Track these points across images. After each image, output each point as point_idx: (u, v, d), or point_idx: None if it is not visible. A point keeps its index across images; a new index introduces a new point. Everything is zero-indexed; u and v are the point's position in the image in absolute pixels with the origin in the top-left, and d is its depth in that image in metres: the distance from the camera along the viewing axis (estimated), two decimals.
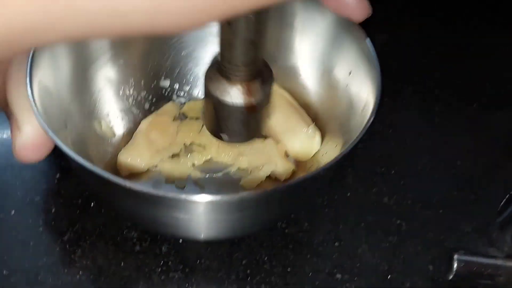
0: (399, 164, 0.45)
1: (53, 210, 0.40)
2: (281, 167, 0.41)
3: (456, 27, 0.58)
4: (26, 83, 0.31)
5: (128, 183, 0.27)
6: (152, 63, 0.44)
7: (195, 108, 0.45)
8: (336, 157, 0.30)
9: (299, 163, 0.42)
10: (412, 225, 0.41)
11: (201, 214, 0.30)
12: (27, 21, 0.19)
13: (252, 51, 0.28)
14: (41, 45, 0.21)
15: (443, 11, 0.60)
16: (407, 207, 0.42)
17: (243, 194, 0.29)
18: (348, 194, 0.43)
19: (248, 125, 0.32)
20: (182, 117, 0.45)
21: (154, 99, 0.45)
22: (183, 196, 0.28)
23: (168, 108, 0.44)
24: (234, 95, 0.29)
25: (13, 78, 0.31)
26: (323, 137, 0.42)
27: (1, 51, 0.20)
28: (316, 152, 0.42)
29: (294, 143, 0.42)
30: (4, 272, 0.36)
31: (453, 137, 0.47)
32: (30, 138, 0.31)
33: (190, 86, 0.46)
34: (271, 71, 0.31)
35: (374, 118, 0.48)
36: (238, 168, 0.42)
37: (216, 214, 0.30)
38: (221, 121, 0.31)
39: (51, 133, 0.29)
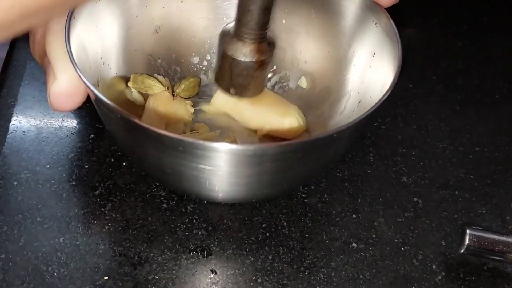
0: (419, 147, 0.46)
1: (86, 167, 0.42)
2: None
3: (482, 22, 0.59)
4: (65, 34, 0.33)
5: (154, 128, 0.29)
6: (185, 38, 0.46)
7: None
8: (348, 123, 0.31)
9: None
10: (428, 203, 0.42)
11: (221, 165, 0.32)
12: None
13: (266, 16, 0.35)
14: None
15: (469, 6, 0.61)
16: (424, 187, 0.43)
17: (261, 145, 0.31)
18: (369, 171, 0.44)
19: (255, 80, 0.38)
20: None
21: (183, 74, 0.46)
22: (206, 142, 0.30)
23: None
24: (248, 53, 0.36)
25: (52, 30, 0.34)
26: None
27: None
28: None
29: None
30: (39, 219, 0.39)
31: (474, 124, 0.48)
32: (64, 86, 0.33)
33: None
34: (272, 38, 0.38)
35: (399, 103, 0.50)
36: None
37: (235, 167, 0.32)
38: (233, 78, 0.38)
39: (84, 79, 0.31)
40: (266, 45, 0.37)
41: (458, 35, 0.58)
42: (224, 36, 0.37)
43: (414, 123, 0.48)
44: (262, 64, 0.37)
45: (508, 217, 0.42)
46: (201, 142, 0.30)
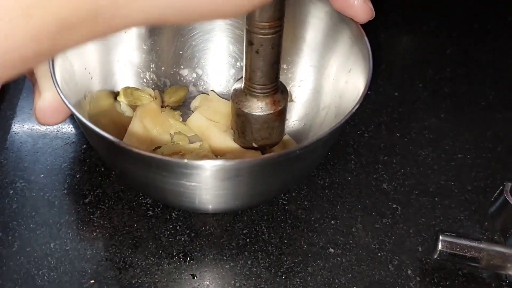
0: (401, 154, 0.47)
1: (77, 176, 0.44)
2: None
3: (472, 29, 0.60)
4: None
5: (127, 145, 0.31)
6: (174, 52, 0.48)
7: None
8: (318, 136, 0.32)
9: None
10: (407, 210, 0.43)
11: (201, 181, 0.33)
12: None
13: (275, 70, 0.37)
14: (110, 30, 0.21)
15: (460, 14, 0.62)
16: (404, 194, 0.44)
17: (239, 160, 0.32)
18: (349, 179, 0.45)
19: (276, 129, 0.40)
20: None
21: (172, 86, 0.48)
22: (173, 159, 0.31)
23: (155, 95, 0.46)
24: (264, 107, 0.38)
25: None
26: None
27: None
28: None
29: None
30: (32, 225, 0.41)
31: (457, 132, 0.49)
32: (48, 102, 0.35)
33: (208, 77, 0.49)
34: (284, 85, 0.40)
35: (383, 111, 0.51)
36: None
37: (216, 180, 0.33)
38: (254, 133, 0.40)
39: (63, 98, 0.33)
40: (280, 94, 0.39)
41: (448, 42, 0.58)
42: (237, 95, 0.39)
43: (398, 130, 0.49)
44: (280, 113, 0.39)
45: (486, 223, 0.42)
46: (168, 159, 0.31)
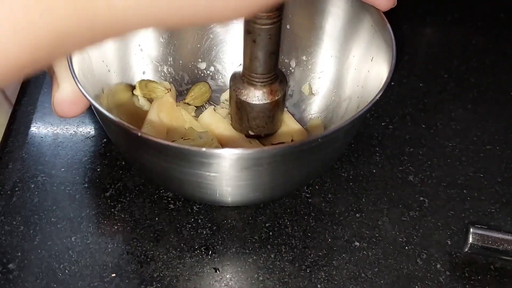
0: (428, 146, 0.46)
1: (98, 170, 0.44)
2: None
3: (499, 18, 0.58)
4: None
5: (145, 134, 0.30)
6: (191, 45, 0.47)
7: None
8: (340, 124, 0.31)
9: None
10: (435, 202, 0.42)
11: (220, 171, 0.32)
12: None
13: (273, 60, 0.36)
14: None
15: (486, 5, 0.60)
16: (431, 186, 0.43)
17: (260, 149, 0.32)
18: (374, 171, 0.44)
19: (272, 119, 0.40)
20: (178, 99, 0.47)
21: (190, 80, 0.47)
22: (203, 149, 0.30)
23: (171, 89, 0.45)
24: (261, 96, 0.38)
25: None
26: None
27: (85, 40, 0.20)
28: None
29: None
30: (53, 219, 0.40)
31: (485, 122, 0.48)
32: (67, 94, 0.34)
33: (225, 71, 0.48)
34: (283, 74, 0.40)
35: (408, 102, 0.49)
36: None
37: (235, 170, 0.32)
38: (250, 121, 0.40)
39: (82, 89, 0.32)
40: (277, 84, 0.38)
41: (473, 32, 0.57)
42: (235, 82, 0.38)
43: (423, 122, 0.48)
44: (276, 104, 0.39)
45: None
46: (186, 147, 0.30)
